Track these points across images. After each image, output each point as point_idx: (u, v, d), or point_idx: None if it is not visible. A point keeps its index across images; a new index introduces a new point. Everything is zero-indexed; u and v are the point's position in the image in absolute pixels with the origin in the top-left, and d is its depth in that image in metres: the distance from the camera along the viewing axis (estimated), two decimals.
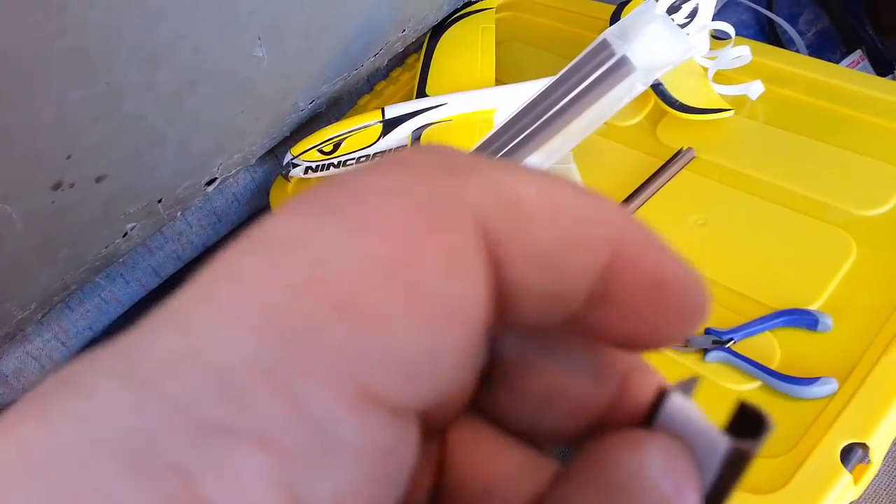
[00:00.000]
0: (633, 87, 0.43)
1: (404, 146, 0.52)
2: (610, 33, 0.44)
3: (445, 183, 0.09)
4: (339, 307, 0.08)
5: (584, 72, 0.43)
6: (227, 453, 0.07)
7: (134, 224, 0.48)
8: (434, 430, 0.11)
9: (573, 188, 0.10)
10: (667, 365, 0.39)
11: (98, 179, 0.43)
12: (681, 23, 0.50)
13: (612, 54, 0.43)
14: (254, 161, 0.55)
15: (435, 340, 0.08)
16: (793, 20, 0.62)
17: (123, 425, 0.07)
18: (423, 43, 0.61)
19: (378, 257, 0.08)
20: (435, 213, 0.08)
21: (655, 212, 0.47)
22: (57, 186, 0.41)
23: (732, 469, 0.10)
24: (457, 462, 0.10)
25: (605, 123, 0.53)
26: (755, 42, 0.52)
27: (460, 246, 0.08)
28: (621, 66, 0.43)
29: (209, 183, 0.52)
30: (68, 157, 0.40)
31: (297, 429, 0.07)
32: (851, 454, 0.34)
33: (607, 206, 0.10)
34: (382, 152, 0.53)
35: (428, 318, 0.08)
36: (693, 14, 0.50)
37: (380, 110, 0.53)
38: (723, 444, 0.10)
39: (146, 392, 0.07)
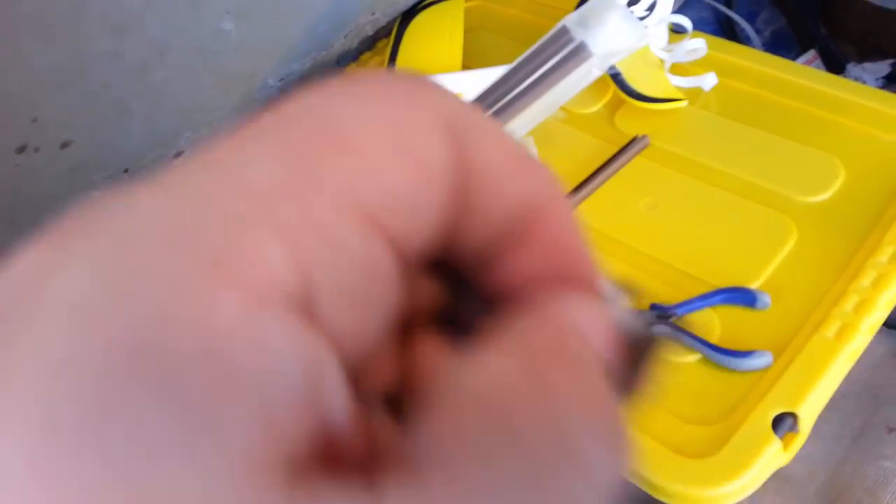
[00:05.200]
0: (589, 72, 0.45)
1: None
2: (569, 20, 0.45)
3: (415, 85, 0.11)
4: (343, 150, 0.10)
5: (544, 56, 0.45)
6: (254, 237, 0.09)
7: (100, 193, 0.49)
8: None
9: (510, 137, 0.11)
10: None
11: (63, 145, 0.43)
12: (640, 15, 0.52)
13: (570, 40, 0.45)
14: None
15: (415, 185, 0.10)
16: (751, 19, 0.64)
17: (171, 219, 0.09)
18: (393, 28, 0.62)
19: (379, 118, 0.10)
20: (414, 96, 0.10)
21: (610, 195, 0.48)
22: (22, 150, 0.41)
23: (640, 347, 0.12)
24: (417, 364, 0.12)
25: (565, 111, 0.54)
26: (711, 36, 0.54)
27: (434, 123, 0.10)
28: (579, 52, 0.45)
29: (177, 155, 0.52)
30: (34, 121, 0.40)
31: (309, 230, 0.09)
32: (782, 423, 0.36)
33: (537, 164, 0.11)
34: None
35: (410, 169, 0.10)
36: (652, 7, 0.52)
37: None
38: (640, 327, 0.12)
39: (191, 196, 0.09)
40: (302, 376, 0.08)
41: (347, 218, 0.09)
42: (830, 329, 0.39)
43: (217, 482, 0.07)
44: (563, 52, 0.45)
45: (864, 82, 0.60)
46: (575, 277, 0.11)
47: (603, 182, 0.49)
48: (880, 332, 0.42)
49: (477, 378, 0.09)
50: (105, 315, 0.08)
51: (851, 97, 0.50)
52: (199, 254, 0.08)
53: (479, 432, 0.09)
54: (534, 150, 0.53)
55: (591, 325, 0.11)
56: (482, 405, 0.09)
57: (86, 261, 0.08)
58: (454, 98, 0.11)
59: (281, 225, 0.09)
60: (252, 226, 0.09)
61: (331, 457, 0.09)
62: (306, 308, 0.09)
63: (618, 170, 0.49)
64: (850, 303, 0.39)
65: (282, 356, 0.08)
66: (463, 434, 0.09)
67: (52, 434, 0.07)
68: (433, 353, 0.11)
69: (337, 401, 0.09)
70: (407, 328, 0.11)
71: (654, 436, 0.37)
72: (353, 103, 0.10)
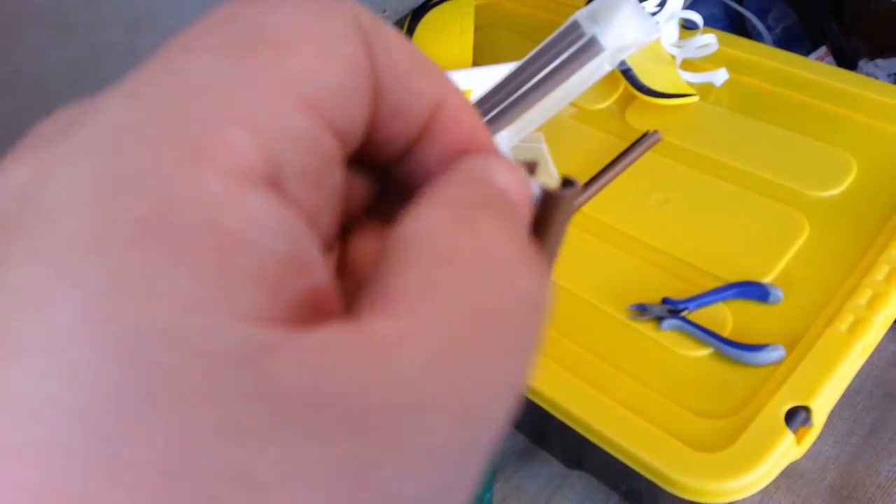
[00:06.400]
0: (600, 66, 0.45)
1: None
2: (581, 15, 0.45)
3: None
4: (280, 51, 0.10)
5: (556, 51, 0.45)
6: (222, 129, 0.10)
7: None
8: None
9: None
10: (623, 331, 0.41)
11: None
12: (651, 11, 0.52)
13: (581, 34, 0.45)
14: None
15: (342, 78, 0.11)
16: (762, 16, 0.64)
17: (145, 118, 0.10)
18: (403, 25, 0.62)
19: (302, 24, 0.11)
20: (329, 6, 0.11)
21: (621, 190, 0.48)
22: None
23: (552, 206, 0.13)
24: (357, 255, 0.13)
25: (576, 107, 0.54)
26: (721, 32, 0.54)
27: (347, 28, 0.11)
28: (590, 47, 0.45)
29: None
30: (49, 114, 0.41)
31: (267, 119, 0.10)
32: (795, 417, 0.36)
33: (436, 65, 0.13)
34: None
35: (336, 65, 0.11)
36: (663, 3, 0.52)
37: None
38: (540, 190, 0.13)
39: (162, 98, 0.10)
40: (288, 242, 0.09)
41: (295, 107, 0.10)
42: (843, 323, 0.38)
43: (226, 329, 0.08)
44: (574, 46, 0.45)
45: (877, 79, 0.59)
46: (481, 152, 0.13)
47: (614, 177, 0.49)
48: (893, 329, 0.42)
49: (417, 227, 0.11)
50: (115, 202, 0.09)
51: (863, 92, 0.50)
52: (178, 147, 0.09)
53: (428, 269, 0.10)
54: (545, 145, 0.53)
55: (506, 178, 0.12)
56: (426, 247, 0.10)
57: (76, 163, 0.09)
58: (361, 8, 0.12)
59: (242, 116, 0.10)
60: (217, 118, 0.10)
61: (318, 311, 0.10)
62: (277, 187, 0.10)
63: (629, 165, 0.49)
64: (863, 297, 0.39)
65: (267, 225, 0.09)
66: (417, 271, 0.10)
67: (96, 294, 0.08)
68: (369, 241, 0.13)
69: (317, 264, 0.10)
70: (343, 223, 0.13)
71: (666, 429, 0.37)
72: (276, 13, 0.11)
